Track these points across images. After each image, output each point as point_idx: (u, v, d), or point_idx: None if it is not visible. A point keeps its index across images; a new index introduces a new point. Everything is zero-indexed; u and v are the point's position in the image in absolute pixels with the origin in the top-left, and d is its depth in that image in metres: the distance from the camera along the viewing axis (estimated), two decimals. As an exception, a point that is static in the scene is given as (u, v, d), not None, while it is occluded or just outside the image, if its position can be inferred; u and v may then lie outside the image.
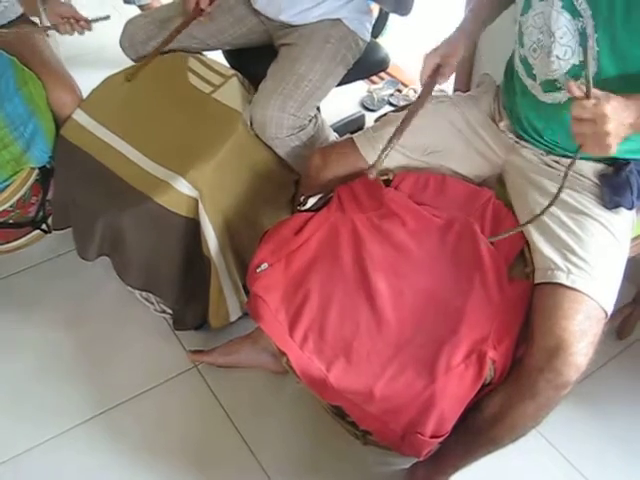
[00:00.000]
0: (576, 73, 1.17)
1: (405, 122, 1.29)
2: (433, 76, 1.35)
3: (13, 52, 1.73)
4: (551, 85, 1.22)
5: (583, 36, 1.12)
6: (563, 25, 1.14)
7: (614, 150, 1.04)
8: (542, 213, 1.18)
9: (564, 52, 1.16)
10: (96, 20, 1.69)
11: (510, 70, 1.36)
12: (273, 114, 1.60)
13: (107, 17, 1.69)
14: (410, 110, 1.31)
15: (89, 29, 1.69)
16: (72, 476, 1.52)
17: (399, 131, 1.28)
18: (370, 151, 1.44)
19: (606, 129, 1.01)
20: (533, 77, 1.25)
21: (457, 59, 1.35)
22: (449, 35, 1.38)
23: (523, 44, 1.25)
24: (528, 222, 1.22)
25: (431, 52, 1.35)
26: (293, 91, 1.62)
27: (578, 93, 1.03)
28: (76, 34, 1.69)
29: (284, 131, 1.63)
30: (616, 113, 1.01)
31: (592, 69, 1.06)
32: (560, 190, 1.14)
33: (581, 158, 1.25)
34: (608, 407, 1.65)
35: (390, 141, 1.27)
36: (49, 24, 1.70)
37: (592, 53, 1.09)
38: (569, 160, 1.28)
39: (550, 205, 1.16)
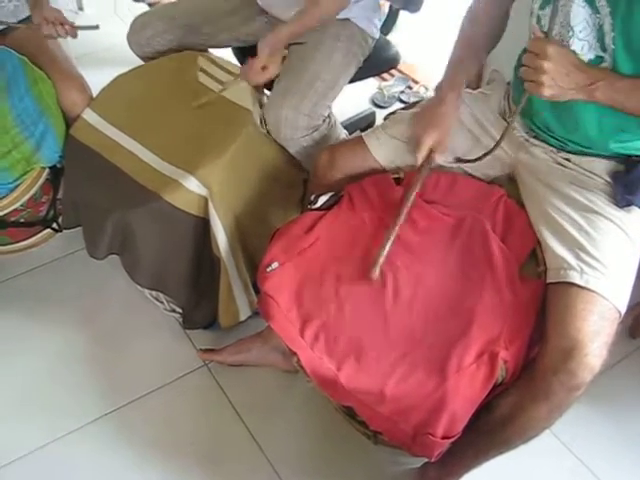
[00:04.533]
0: None
1: (403, 208, 1.30)
2: (428, 157, 1.35)
3: (23, 52, 1.74)
4: None
5: (601, 32, 1.10)
6: (583, 19, 1.12)
7: (546, 94, 1.08)
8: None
9: (581, 47, 1.14)
10: (83, 28, 1.68)
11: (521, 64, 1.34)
12: (288, 114, 1.59)
13: (96, 27, 1.67)
14: (407, 197, 1.31)
15: (73, 36, 1.68)
16: (82, 474, 1.53)
17: (396, 224, 1.28)
18: (380, 150, 1.43)
19: (543, 65, 1.05)
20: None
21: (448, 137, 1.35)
22: (435, 99, 1.36)
23: None
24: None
25: (426, 134, 1.33)
26: (307, 90, 1.61)
27: (539, 34, 1.09)
28: (69, 38, 1.69)
29: (299, 132, 1.62)
30: (560, 56, 1.06)
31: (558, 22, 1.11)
32: (499, 141, 1.26)
33: (590, 154, 1.25)
34: (621, 407, 1.63)
35: (387, 239, 1.27)
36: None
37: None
38: (580, 158, 1.28)
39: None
